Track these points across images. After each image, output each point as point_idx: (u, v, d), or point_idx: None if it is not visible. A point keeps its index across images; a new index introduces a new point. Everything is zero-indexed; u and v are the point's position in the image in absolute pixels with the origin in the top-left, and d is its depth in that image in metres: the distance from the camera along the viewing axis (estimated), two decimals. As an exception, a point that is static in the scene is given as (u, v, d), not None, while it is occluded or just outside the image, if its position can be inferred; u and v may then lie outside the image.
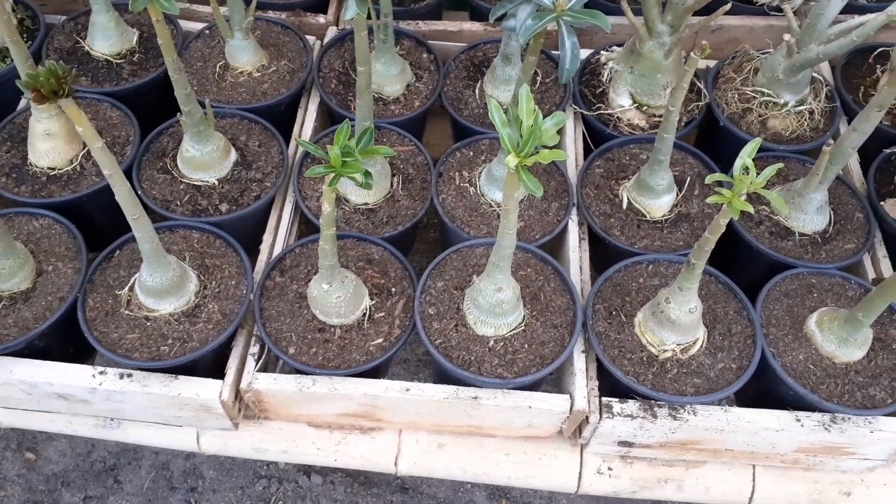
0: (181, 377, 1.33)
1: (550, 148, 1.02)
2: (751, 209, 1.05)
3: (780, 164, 1.13)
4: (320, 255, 1.26)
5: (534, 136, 1.01)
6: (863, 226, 1.57)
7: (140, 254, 1.29)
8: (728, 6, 1.53)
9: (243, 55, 1.72)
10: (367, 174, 1.11)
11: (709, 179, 1.09)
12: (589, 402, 1.35)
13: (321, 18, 1.94)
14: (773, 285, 1.47)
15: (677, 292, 1.29)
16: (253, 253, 1.53)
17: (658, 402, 1.33)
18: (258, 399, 1.37)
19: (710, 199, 1.08)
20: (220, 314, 1.38)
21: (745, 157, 1.05)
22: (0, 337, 1.33)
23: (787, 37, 1.62)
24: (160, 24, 1.24)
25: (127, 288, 1.39)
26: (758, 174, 1.41)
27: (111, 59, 1.74)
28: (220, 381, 1.33)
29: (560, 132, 1.75)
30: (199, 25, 1.87)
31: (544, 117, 1.73)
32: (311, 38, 1.87)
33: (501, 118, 1.02)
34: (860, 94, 1.80)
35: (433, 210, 1.58)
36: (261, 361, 1.37)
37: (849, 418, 1.33)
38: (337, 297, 1.33)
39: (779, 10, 1.96)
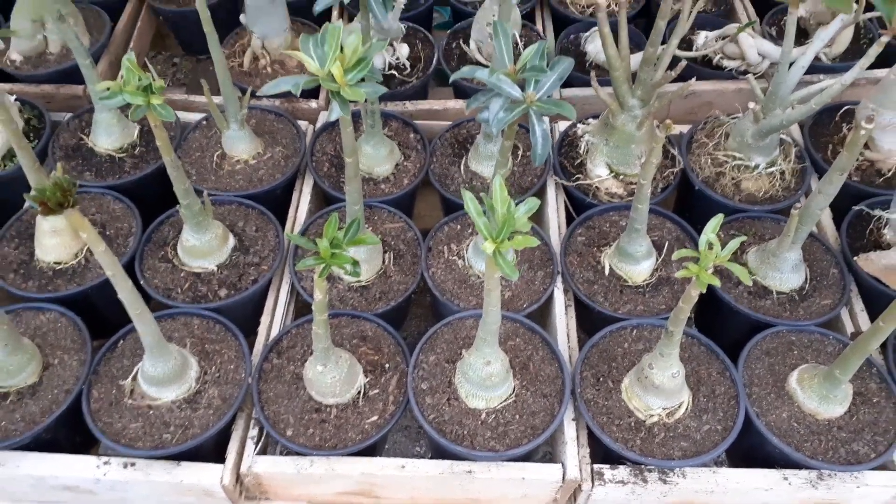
0: (183, 463, 1.37)
1: (526, 231, 1.09)
2: (717, 282, 1.11)
3: (744, 238, 1.19)
4: (314, 338, 1.31)
5: (508, 223, 1.07)
6: (838, 281, 1.62)
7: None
8: (693, 80, 1.62)
9: (239, 144, 1.81)
10: (354, 263, 1.18)
11: (675, 256, 1.15)
12: (581, 469, 1.38)
13: (313, 103, 2.04)
14: (754, 344, 1.51)
15: (659, 358, 1.34)
16: (251, 334, 1.59)
17: (648, 467, 1.37)
18: (258, 482, 1.40)
19: (678, 274, 1.14)
20: (220, 399, 1.43)
21: (710, 232, 1.12)
22: (7, 432, 1.38)
23: (752, 104, 1.71)
24: (158, 128, 1.33)
25: (130, 378, 1.44)
26: (734, 236, 1.47)
27: (114, 154, 1.83)
28: (220, 466, 1.37)
29: (543, 203, 1.83)
30: (197, 116, 1.97)
31: (526, 189, 1.82)
32: (303, 124, 1.97)
33: (476, 208, 1.09)
34: (828, 152, 1.87)
35: (425, 282, 1.64)
36: (260, 444, 1.41)
37: (835, 474, 1.36)
38: (332, 377, 1.38)
39: (747, 73, 2.05)
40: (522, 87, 1.22)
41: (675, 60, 1.65)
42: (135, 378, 1.44)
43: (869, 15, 1.93)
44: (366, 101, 1.70)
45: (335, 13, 2.28)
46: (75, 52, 1.62)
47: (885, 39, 1.37)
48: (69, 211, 1.09)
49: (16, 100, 1.91)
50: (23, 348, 1.43)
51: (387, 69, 2.08)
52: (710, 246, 1.11)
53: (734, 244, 1.12)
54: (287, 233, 1.71)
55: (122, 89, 1.20)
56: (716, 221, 1.13)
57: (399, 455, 1.84)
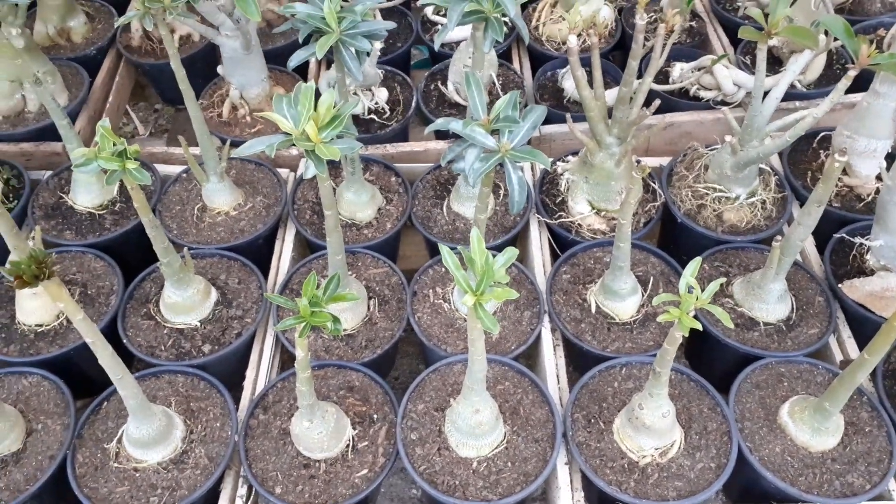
0: (172, 527, 1.35)
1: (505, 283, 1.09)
2: (699, 326, 1.11)
3: (722, 280, 1.19)
4: (298, 396, 1.30)
5: (487, 275, 1.07)
6: (824, 309, 1.63)
7: (126, 406, 1.33)
8: (666, 116, 1.63)
9: (219, 196, 1.81)
10: (335, 321, 1.17)
11: (656, 301, 1.15)
12: (575, 514, 1.36)
13: (294, 151, 2.04)
14: (744, 378, 1.51)
15: (648, 398, 1.33)
16: (237, 388, 1.57)
17: (643, 509, 1.35)
18: (249, 542, 1.38)
19: (660, 318, 1.13)
20: (206, 458, 1.41)
21: (689, 276, 1.12)
22: (-8, 503, 1.36)
23: (728, 138, 1.72)
24: (135, 190, 1.32)
25: (115, 440, 1.42)
26: (719, 268, 1.46)
27: (94, 211, 1.83)
28: (210, 528, 1.35)
29: (527, 241, 1.83)
30: (176, 168, 1.97)
31: (509, 228, 1.81)
32: (284, 172, 1.97)
33: (455, 262, 1.08)
34: (808, 179, 1.89)
35: (411, 327, 1.63)
36: (249, 503, 1.39)
37: (832, 508, 1.35)
38: (319, 432, 1.36)
39: (724, 103, 2.08)
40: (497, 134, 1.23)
41: (651, 96, 1.66)
42: (120, 440, 1.42)
43: (839, 43, 1.95)
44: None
45: (312, 63, 2.29)
46: (52, 114, 1.63)
47: (852, 74, 1.39)
48: (46, 282, 1.08)
49: (-5, 160, 1.91)
50: (5, 415, 1.41)
51: (366, 114, 2.09)
52: (690, 289, 1.11)
53: (713, 287, 1.12)
54: (267, 294, 1.70)
55: (98, 156, 1.20)
56: (694, 266, 1.14)
57: (395, 499, 1.82)
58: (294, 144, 1.16)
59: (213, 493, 1.40)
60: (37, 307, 1.58)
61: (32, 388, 1.51)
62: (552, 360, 1.59)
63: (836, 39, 1.81)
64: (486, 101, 1.26)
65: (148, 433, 1.36)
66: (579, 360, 1.68)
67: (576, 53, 1.55)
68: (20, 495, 1.36)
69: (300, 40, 1.41)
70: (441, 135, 2.17)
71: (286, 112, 1.17)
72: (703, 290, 1.12)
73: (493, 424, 1.38)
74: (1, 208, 1.45)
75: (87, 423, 1.46)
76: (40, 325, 1.60)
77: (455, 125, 1.25)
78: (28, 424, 1.46)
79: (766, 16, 1.46)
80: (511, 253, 1.11)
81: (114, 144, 1.22)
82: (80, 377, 1.58)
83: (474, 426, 1.35)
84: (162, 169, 1.97)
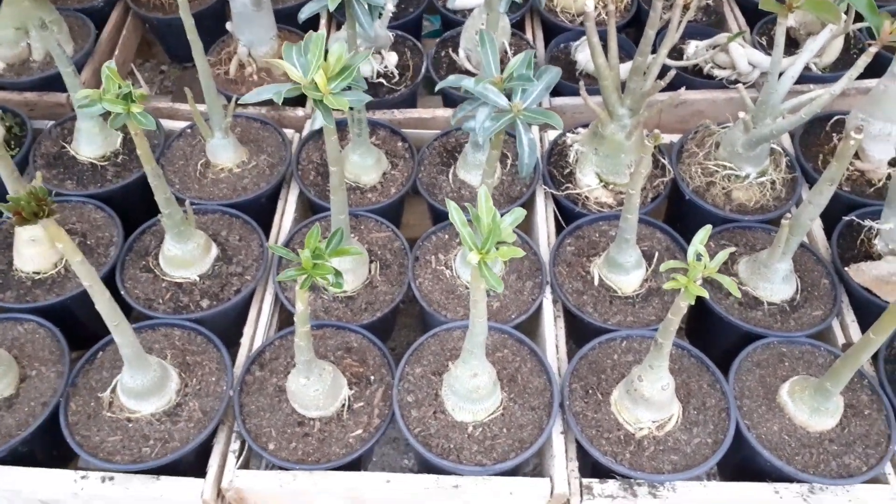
0: (163, 477, 1.34)
1: (512, 243, 1.07)
2: (706, 294, 1.09)
3: (732, 249, 1.18)
4: (296, 351, 1.28)
5: (493, 233, 1.05)
6: (829, 292, 1.61)
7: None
8: (683, 89, 1.61)
9: (223, 153, 1.79)
10: (337, 274, 1.15)
11: (664, 268, 1.13)
12: (569, 484, 1.35)
13: (299, 111, 2.02)
14: (745, 356, 1.49)
15: (648, 370, 1.32)
16: (234, 345, 1.56)
17: (637, 481, 1.34)
18: (240, 496, 1.37)
19: (666, 286, 1.12)
20: (200, 412, 1.40)
21: (697, 244, 1.10)
22: (-17, 446, 1.35)
23: (742, 114, 1.70)
24: (139, 136, 1.30)
25: (109, 390, 1.41)
26: (725, 246, 1.45)
27: (96, 163, 1.80)
28: (201, 480, 1.34)
29: (532, 212, 1.81)
30: (181, 124, 1.94)
31: (515, 198, 1.80)
32: (289, 132, 1.95)
33: (461, 218, 1.07)
34: (819, 162, 1.86)
35: (413, 293, 1.62)
36: (242, 458, 1.38)
37: (826, 488, 1.34)
38: (315, 390, 1.35)
39: (737, 82, 2.05)
40: (509, 97, 1.21)
41: (664, 70, 1.64)
42: (114, 390, 1.41)
43: (858, 25, 1.92)
44: (352, 109, 1.69)
45: (322, 21, 2.26)
46: (57, 60, 1.60)
47: (873, 50, 1.36)
48: (45, 221, 1.07)
49: (-3, 107, 1.89)
50: (-1, 360, 1.40)
51: (375, 77, 2.06)
52: (699, 257, 1.09)
53: (723, 255, 1.10)
54: (270, 244, 1.68)
55: (102, 98, 1.18)
56: (704, 233, 1.12)
57: (387, 468, 1.82)
58: (302, 93, 1.13)
59: (206, 447, 1.39)
60: (35, 254, 1.56)
61: (28, 334, 1.50)
62: (552, 331, 1.58)
63: (856, 21, 1.79)
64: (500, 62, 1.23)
65: (142, 384, 1.35)
66: (579, 333, 1.66)
67: (592, 19, 1.52)
68: (11, 440, 1.35)
69: (312, -8, 1.38)
70: (450, 102, 2.14)
71: (295, 61, 1.14)
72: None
73: (490, 390, 1.36)
74: (3, 151, 1.43)
75: (81, 372, 1.45)
76: (38, 273, 1.58)
77: (467, 83, 1.23)
78: (22, 371, 1.45)
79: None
80: (518, 213, 1.09)
81: (119, 87, 1.20)
82: (76, 327, 1.57)
83: (471, 390, 1.34)
84: (167, 124, 1.94)
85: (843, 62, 2.13)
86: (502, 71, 1.22)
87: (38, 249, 1.56)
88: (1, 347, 1.44)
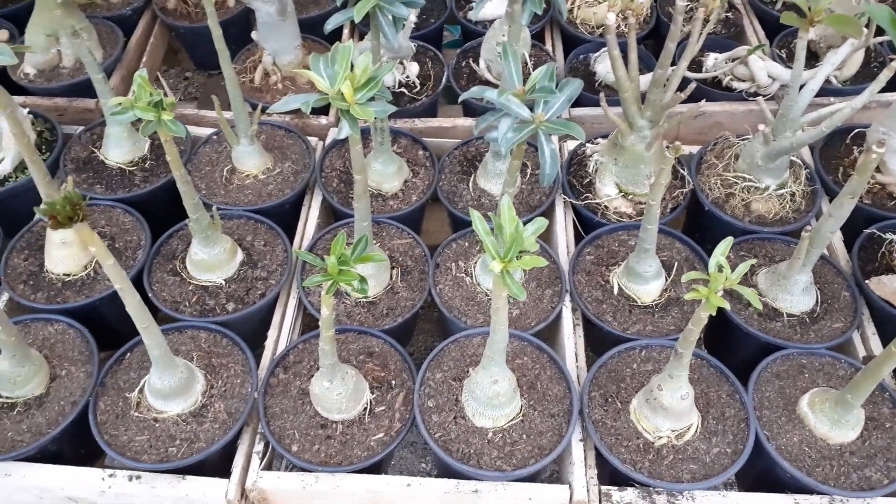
0: (188, 477, 1.37)
1: (533, 251, 1.08)
2: (727, 305, 1.10)
3: (754, 261, 1.19)
4: (321, 354, 1.31)
5: (516, 242, 1.07)
6: (850, 304, 1.61)
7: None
8: (703, 102, 1.63)
9: (249, 159, 1.82)
10: (362, 280, 1.18)
11: (685, 279, 1.14)
12: (588, 491, 1.37)
13: (323, 120, 2.05)
14: (765, 367, 1.50)
15: (668, 379, 1.33)
16: (258, 348, 1.58)
17: (656, 490, 1.35)
18: (263, 497, 1.39)
19: (687, 296, 1.13)
20: (225, 413, 1.42)
21: (719, 255, 1.11)
22: (14, 443, 1.38)
23: (762, 127, 1.70)
24: (168, 143, 1.34)
25: (137, 390, 1.44)
26: (744, 258, 1.45)
27: (124, 167, 1.84)
28: (225, 481, 1.36)
29: (552, 221, 1.83)
30: (207, 130, 1.98)
31: (535, 207, 1.82)
32: (313, 140, 1.98)
33: (484, 227, 1.09)
34: (839, 175, 1.87)
35: (432, 298, 1.63)
36: (265, 459, 1.40)
37: (847, 501, 1.34)
38: (338, 393, 1.37)
39: (757, 95, 2.06)
40: (531, 108, 1.23)
41: (684, 82, 1.65)
42: (141, 391, 1.44)
43: (879, 39, 1.93)
44: (375, 118, 1.71)
45: (346, 32, 2.30)
46: (88, 67, 1.64)
47: (895, 65, 1.36)
48: (79, 225, 1.10)
49: (29, 112, 1.93)
50: (30, 359, 1.43)
51: (397, 87, 2.09)
52: (720, 269, 1.11)
53: (744, 267, 1.12)
54: (295, 249, 1.71)
55: (134, 105, 1.21)
56: (725, 245, 1.13)
57: (405, 471, 1.83)
58: (329, 103, 1.16)
59: (230, 448, 1.42)
60: (65, 256, 1.60)
61: (58, 335, 1.54)
62: (571, 339, 1.59)
63: (876, 34, 1.79)
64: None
65: (169, 384, 1.38)
66: (598, 341, 1.67)
67: (614, 31, 1.54)
68: (41, 438, 1.38)
69: (338, 3, 1.41)
70: (470, 112, 2.17)
71: (322, 72, 1.17)
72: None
73: (510, 396, 1.38)
74: (35, 154, 1.47)
75: (109, 372, 1.48)
76: (68, 275, 1.62)
77: (490, 94, 1.25)
78: (52, 370, 1.48)
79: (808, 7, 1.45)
80: (541, 222, 1.10)
81: (150, 94, 1.23)
82: (105, 328, 1.60)
83: (492, 396, 1.36)
84: (193, 131, 1.98)
85: (864, 75, 2.13)
86: (525, 83, 1.24)
87: (68, 252, 1.59)
88: (32, 347, 1.47)
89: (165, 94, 1.30)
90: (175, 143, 1.37)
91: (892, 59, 1.39)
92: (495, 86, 2.09)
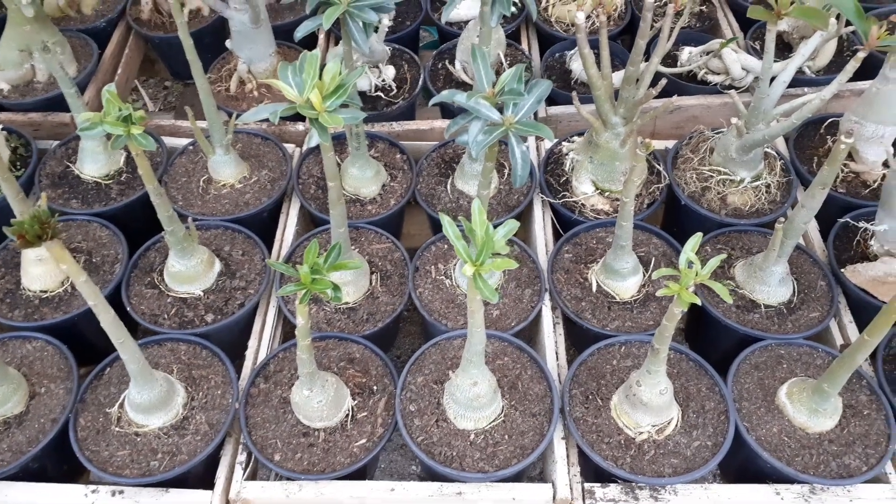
0: (172, 490, 1.37)
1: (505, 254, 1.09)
2: (698, 301, 1.11)
3: (724, 256, 1.19)
4: (298, 363, 1.31)
5: (487, 245, 1.08)
6: (826, 293, 1.62)
7: (128, 372, 1.34)
8: (676, 97, 1.63)
9: (225, 169, 1.81)
10: (336, 289, 1.18)
11: (656, 275, 1.15)
12: (571, 489, 1.37)
13: (300, 126, 2.05)
14: (743, 359, 1.51)
15: (646, 375, 1.33)
16: (239, 358, 1.58)
17: (639, 485, 1.36)
18: (247, 508, 1.39)
19: (660, 293, 1.14)
20: (207, 425, 1.42)
21: (689, 251, 1.12)
22: (-5, 463, 1.38)
23: (735, 120, 1.71)
24: (140, 156, 1.33)
25: (117, 405, 1.43)
26: (721, 251, 1.45)
27: (100, 181, 1.84)
28: (209, 492, 1.36)
29: (530, 220, 1.83)
30: (184, 141, 1.97)
31: (513, 207, 1.82)
32: (290, 147, 1.98)
33: (455, 232, 1.09)
34: (814, 165, 1.88)
35: (414, 305, 1.64)
36: (248, 469, 1.40)
37: (827, 488, 1.35)
38: (318, 401, 1.37)
39: (732, 88, 2.07)
40: (501, 110, 1.23)
41: (657, 77, 1.66)
42: (122, 405, 1.43)
43: (850, 28, 1.94)
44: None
45: (321, 37, 2.29)
46: (60, 83, 1.63)
47: (861, 55, 1.38)
48: (49, 243, 1.09)
49: (2, 128, 1.92)
50: (9, 378, 1.42)
51: (373, 91, 2.09)
52: (690, 265, 1.11)
53: (714, 262, 1.12)
54: (269, 261, 1.71)
55: (103, 120, 1.21)
56: (695, 240, 1.14)
57: (395, 475, 1.84)
58: (298, 112, 1.16)
59: (213, 460, 1.42)
60: (41, 273, 1.59)
61: (36, 352, 1.53)
62: (552, 338, 1.59)
63: (847, 24, 1.81)
64: (493, 78, 1.26)
65: (149, 398, 1.38)
66: (579, 339, 1.68)
67: (583, 30, 1.55)
68: (22, 456, 1.38)
69: (307, 11, 1.41)
70: (448, 113, 2.17)
71: (291, 80, 1.17)
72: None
73: (490, 397, 1.38)
74: (8, 174, 1.46)
75: (89, 388, 1.48)
76: (45, 291, 1.61)
77: (459, 97, 1.25)
78: (31, 388, 1.47)
79: (775, -2, 1.46)
80: (511, 225, 1.11)
81: (119, 109, 1.23)
82: (84, 344, 1.60)
83: (472, 399, 1.36)
84: (169, 141, 1.97)
85: (837, 65, 2.14)
86: (495, 85, 1.25)
87: (44, 268, 1.59)
88: (10, 366, 1.47)
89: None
90: (149, 156, 1.37)
91: (859, 50, 1.39)
92: (471, 87, 2.09)
